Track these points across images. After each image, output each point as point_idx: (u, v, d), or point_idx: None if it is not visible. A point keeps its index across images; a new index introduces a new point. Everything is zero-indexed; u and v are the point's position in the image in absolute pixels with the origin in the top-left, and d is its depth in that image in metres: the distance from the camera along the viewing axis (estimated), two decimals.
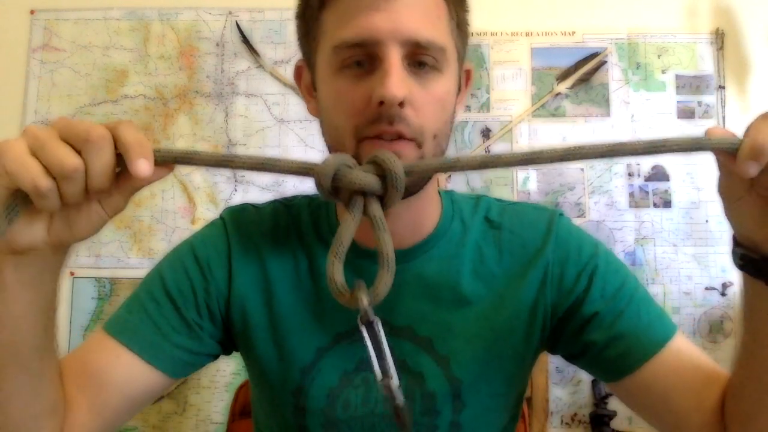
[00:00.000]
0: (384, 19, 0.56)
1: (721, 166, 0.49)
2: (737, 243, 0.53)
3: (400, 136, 0.57)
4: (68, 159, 0.43)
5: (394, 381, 0.47)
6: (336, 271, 0.46)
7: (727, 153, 0.46)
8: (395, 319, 0.67)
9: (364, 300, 0.44)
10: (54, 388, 0.55)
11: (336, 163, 0.45)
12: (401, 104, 0.56)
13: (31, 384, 0.52)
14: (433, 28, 0.58)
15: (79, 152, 0.44)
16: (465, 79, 0.68)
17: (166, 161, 0.46)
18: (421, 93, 0.58)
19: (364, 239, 0.67)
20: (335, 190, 0.46)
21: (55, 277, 0.51)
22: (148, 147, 0.45)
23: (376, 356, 0.46)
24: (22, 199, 0.44)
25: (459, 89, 0.66)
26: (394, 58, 0.56)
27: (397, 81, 0.55)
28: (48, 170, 0.43)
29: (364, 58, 0.57)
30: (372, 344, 0.46)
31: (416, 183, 0.61)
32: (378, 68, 0.56)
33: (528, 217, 0.72)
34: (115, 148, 0.45)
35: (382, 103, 0.55)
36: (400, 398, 0.46)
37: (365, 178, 0.46)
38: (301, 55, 0.67)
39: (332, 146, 0.61)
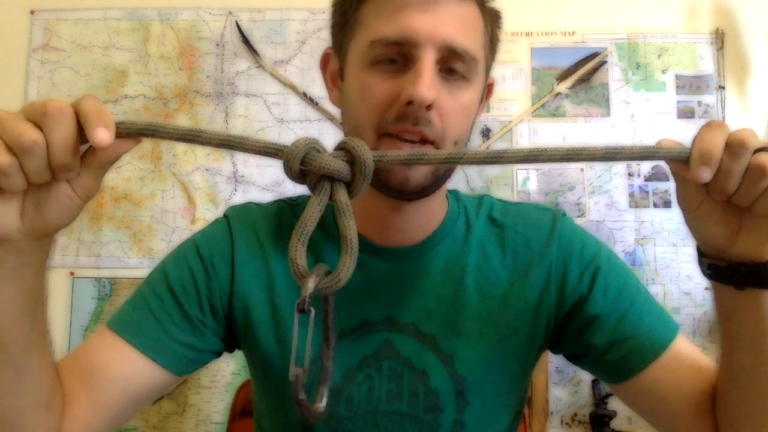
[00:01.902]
0: (425, 22, 0.56)
1: (677, 177, 0.51)
2: (702, 253, 0.54)
3: (422, 138, 0.57)
4: (26, 133, 0.42)
5: (303, 376, 0.45)
6: (298, 254, 0.45)
7: (680, 162, 0.49)
8: (400, 315, 0.67)
9: (310, 284, 0.43)
10: (47, 384, 0.55)
11: (305, 146, 0.45)
12: (428, 107, 0.56)
13: (19, 380, 0.51)
14: (469, 38, 0.59)
15: (41, 128, 0.43)
16: (486, 91, 0.69)
17: (131, 133, 0.45)
18: (449, 99, 0.58)
19: (370, 234, 0.67)
20: (302, 174, 0.46)
21: (39, 272, 0.50)
22: (107, 116, 0.44)
23: (301, 343, 0.45)
24: None
25: (480, 100, 0.67)
26: (428, 61, 0.56)
27: (428, 83, 0.55)
28: (9, 148, 0.42)
29: (399, 57, 0.58)
30: (305, 331, 0.44)
31: (437, 184, 0.62)
32: (411, 68, 0.57)
33: (531, 216, 0.72)
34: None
35: (410, 102, 0.56)
36: (302, 394, 0.45)
37: (334, 163, 0.45)
38: (331, 43, 0.68)
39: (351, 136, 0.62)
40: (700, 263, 0.54)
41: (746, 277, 0.51)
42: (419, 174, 0.59)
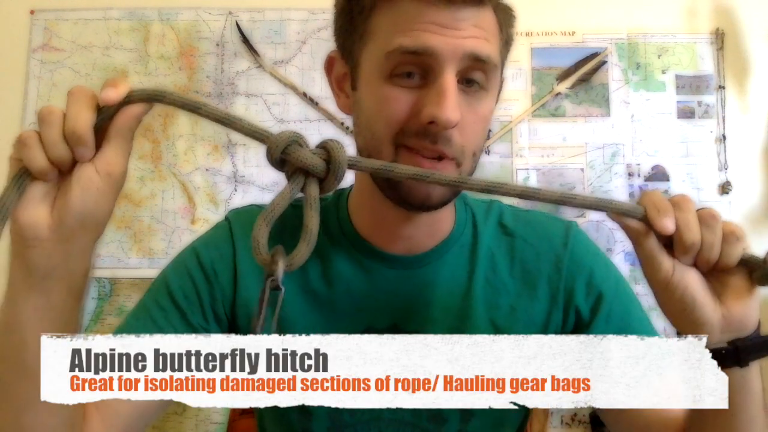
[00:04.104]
0: (447, 36, 0.55)
1: (640, 247, 0.50)
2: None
3: (440, 156, 0.56)
4: (47, 108, 0.46)
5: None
6: (260, 234, 0.49)
7: (635, 226, 0.49)
8: (405, 323, 0.66)
9: (281, 265, 0.46)
10: (71, 407, 0.52)
11: (288, 139, 0.48)
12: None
13: (39, 396, 0.49)
14: (490, 46, 0.57)
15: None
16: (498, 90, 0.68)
17: (141, 98, 0.49)
18: (469, 113, 0.57)
19: (378, 241, 0.67)
20: (282, 163, 0.49)
21: (68, 291, 0.49)
22: (118, 81, 0.48)
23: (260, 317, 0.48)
24: (29, 175, 0.46)
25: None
26: (451, 78, 0.55)
27: (453, 104, 0.54)
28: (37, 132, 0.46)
29: (416, 69, 0.56)
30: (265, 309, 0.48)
31: (452, 196, 0.61)
32: (432, 84, 0.55)
33: (543, 227, 0.71)
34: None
35: (431, 122, 0.54)
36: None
37: (311, 158, 0.48)
38: (336, 47, 0.65)
39: (365, 149, 0.60)
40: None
41: (752, 349, 0.50)
42: (440, 190, 0.58)
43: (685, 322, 0.51)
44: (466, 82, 0.57)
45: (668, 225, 0.47)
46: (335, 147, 0.48)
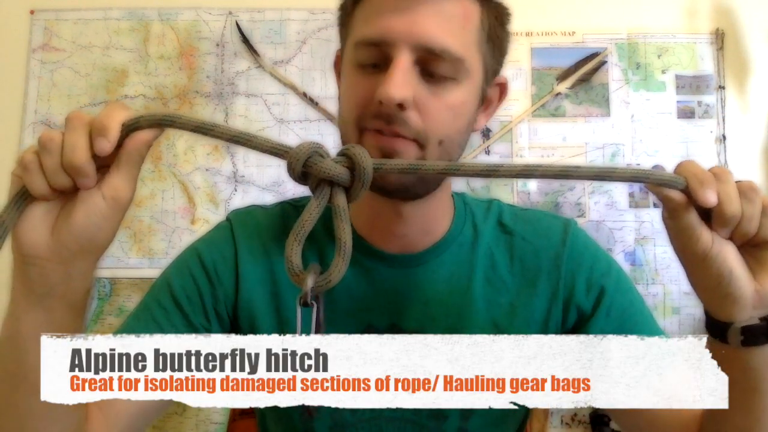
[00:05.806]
0: (400, 22, 0.56)
1: (677, 219, 0.49)
2: (720, 322, 0.51)
3: (397, 136, 0.57)
4: (48, 134, 0.45)
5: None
6: (294, 253, 0.48)
7: (673, 198, 0.48)
8: (405, 323, 0.67)
9: (309, 281, 0.46)
10: (73, 413, 0.53)
11: (309, 151, 0.47)
12: (401, 106, 0.55)
13: (45, 409, 0.49)
14: (452, 36, 0.57)
15: None
16: (498, 92, 0.67)
17: (151, 125, 0.47)
18: (431, 99, 0.57)
19: (375, 241, 0.67)
20: (304, 176, 0.48)
21: (69, 310, 0.49)
22: (109, 125, 0.45)
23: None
24: (30, 194, 0.46)
25: (485, 102, 0.65)
26: (402, 61, 0.55)
27: (397, 83, 0.55)
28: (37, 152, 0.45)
29: (380, 60, 0.57)
30: (308, 326, 0.48)
31: (423, 186, 0.61)
32: (388, 69, 0.57)
33: (541, 224, 0.71)
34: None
35: (381, 101, 0.55)
36: None
37: (334, 168, 0.47)
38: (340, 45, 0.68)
39: (341, 137, 0.63)
40: (727, 334, 0.50)
41: None
42: (395, 175, 0.58)
43: (718, 297, 0.50)
44: (429, 73, 0.57)
45: (712, 197, 0.47)
46: (358, 153, 0.48)
